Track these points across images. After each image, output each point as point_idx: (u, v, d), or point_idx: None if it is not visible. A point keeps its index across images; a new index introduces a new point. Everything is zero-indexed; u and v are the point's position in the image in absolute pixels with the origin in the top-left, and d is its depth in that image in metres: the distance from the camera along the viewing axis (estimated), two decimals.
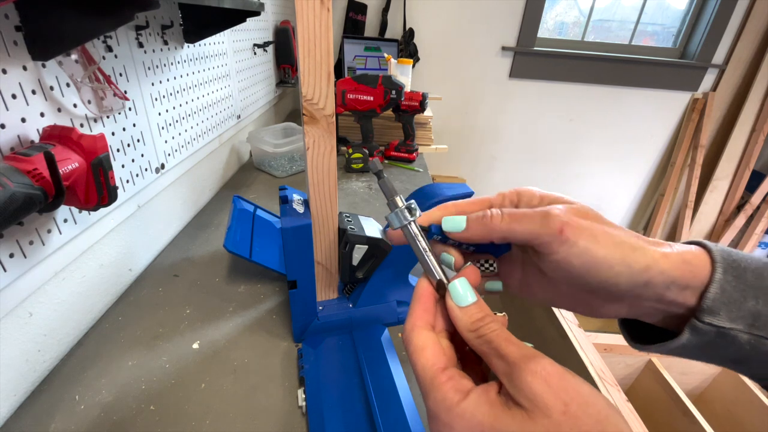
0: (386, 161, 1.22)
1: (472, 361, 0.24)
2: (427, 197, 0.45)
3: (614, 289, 0.22)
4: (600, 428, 0.17)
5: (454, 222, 0.24)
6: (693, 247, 0.22)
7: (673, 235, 2.37)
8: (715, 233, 2.24)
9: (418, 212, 0.25)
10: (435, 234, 0.25)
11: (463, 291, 0.22)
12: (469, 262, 0.25)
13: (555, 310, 0.96)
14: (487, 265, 0.26)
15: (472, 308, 0.22)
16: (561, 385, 0.18)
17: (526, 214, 0.22)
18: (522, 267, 0.27)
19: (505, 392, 0.19)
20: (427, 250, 0.25)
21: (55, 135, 0.42)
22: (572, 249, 0.21)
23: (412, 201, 0.26)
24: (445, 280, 0.24)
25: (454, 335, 0.23)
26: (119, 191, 0.57)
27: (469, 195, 0.25)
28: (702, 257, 0.22)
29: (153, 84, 0.65)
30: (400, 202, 0.25)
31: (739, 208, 2.16)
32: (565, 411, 0.17)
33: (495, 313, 0.23)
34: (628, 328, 0.26)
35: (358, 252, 0.49)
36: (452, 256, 0.25)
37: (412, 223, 0.25)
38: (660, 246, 0.22)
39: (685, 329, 0.22)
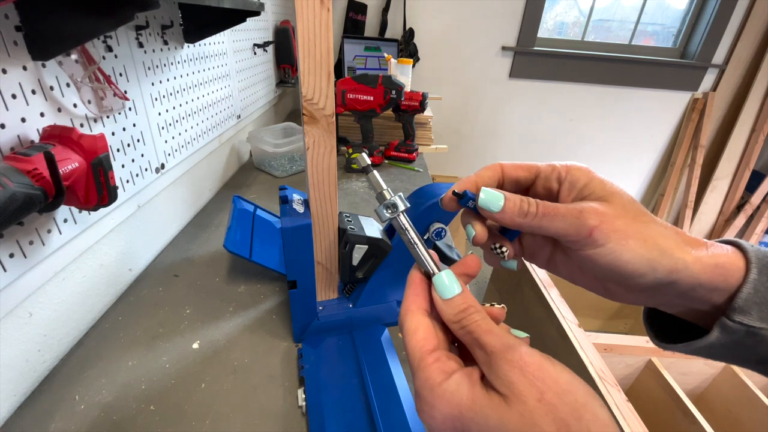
0: (386, 161, 1.22)
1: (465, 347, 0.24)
2: (427, 197, 0.45)
3: (637, 284, 0.22)
4: (576, 415, 0.17)
5: (493, 197, 0.23)
6: (729, 248, 0.22)
7: None
8: (715, 233, 2.24)
9: (404, 204, 0.25)
10: (470, 199, 0.25)
11: (448, 283, 0.23)
12: (471, 251, 0.25)
13: (555, 310, 0.96)
14: (499, 250, 0.26)
15: (456, 300, 0.22)
16: (538, 374, 0.18)
17: (558, 212, 0.22)
18: (552, 247, 0.27)
19: (486, 380, 0.20)
20: (417, 242, 0.25)
21: (55, 135, 0.42)
22: (599, 250, 0.22)
23: (400, 194, 0.26)
24: (431, 271, 0.24)
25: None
26: (119, 191, 0.57)
27: (471, 196, 0.25)
28: (737, 260, 0.22)
29: (153, 84, 0.65)
30: (387, 195, 0.26)
31: (739, 208, 2.16)
32: (540, 399, 0.18)
33: (492, 305, 0.23)
34: (652, 326, 0.27)
35: (358, 252, 0.49)
36: (475, 230, 0.25)
37: (401, 215, 0.25)
38: (695, 248, 0.22)
39: (715, 327, 0.22)
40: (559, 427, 0.17)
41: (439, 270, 0.24)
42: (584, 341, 0.86)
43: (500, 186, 0.26)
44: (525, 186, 0.26)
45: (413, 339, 0.22)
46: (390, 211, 0.25)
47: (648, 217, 0.23)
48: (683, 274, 0.21)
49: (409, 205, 0.26)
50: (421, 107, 1.11)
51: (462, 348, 0.24)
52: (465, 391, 0.19)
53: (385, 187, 0.26)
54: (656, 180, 2.33)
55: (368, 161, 0.27)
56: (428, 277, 0.24)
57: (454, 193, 0.25)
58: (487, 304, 0.24)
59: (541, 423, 0.17)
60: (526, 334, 0.23)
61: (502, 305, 0.24)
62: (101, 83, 0.51)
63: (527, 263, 1.15)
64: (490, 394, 0.19)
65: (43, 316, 0.48)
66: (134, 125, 0.61)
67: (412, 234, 0.25)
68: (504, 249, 0.26)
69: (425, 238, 0.46)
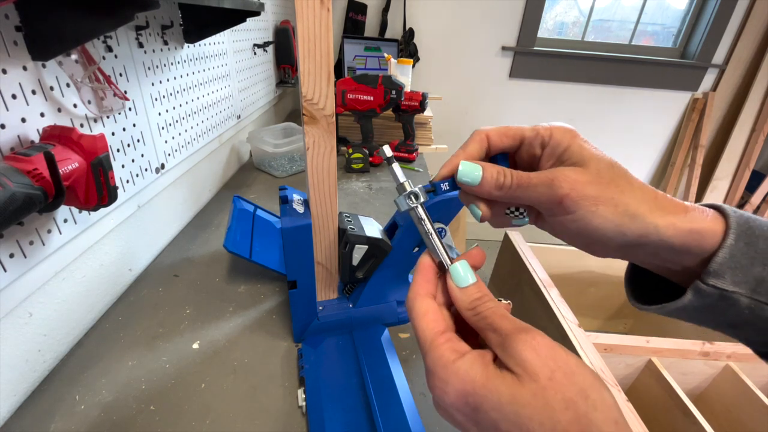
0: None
1: (470, 335, 0.24)
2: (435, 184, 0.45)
3: (608, 246, 0.24)
4: (584, 395, 0.18)
5: (470, 170, 0.24)
6: (710, 213, 0.23)
7: None
8: None
9: (424, 196, 0.26)
10: (445, 183, 0.26)
11: (463, 273, 0.24)
12: (476, 244, 0.27)
13: (555, 310, 0.96)
14: (517, 213, 0.27)
15: (471, 289, 0.23)
16: (550, 354, 0.19)
17: (531, 182, 0.24)
18: (535, 209, 0.28)
19: (499, 362, 0.20)
20: (432, 232, 0.26)
21: (55, 135, 0.42)
22: (569, 217, 0.23)
23: (420, 186, 0.27)
24: (447, 262, 0.25)
25: (451, 310, 0.25)
26: (119, 191, 0.57)
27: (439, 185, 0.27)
28: (715, 225, 0.22)
29: (153, 84, 0.65)
30: (408, 186, 0.27)
31: (739, 207, 2.16)
32: (551, 377, 0.18)
33: (500, 299, 0.24)
34: (632, 287, 0.28)
35: (358, 252, 0.49)
36: (480, 210, 0.26)
37: (419, 207, 0.26)
38: (672, 212, 0.23)
39: (688, 291, 0.23)
40: (567, 405, 0.18)
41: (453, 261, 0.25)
42: (584, 341, 0.86)
43: (487, 157, 0.27)
44: (511, 153, 0.27)
45: (423, 320, 0.22)
46: (412, 201, 0.26)
47: (624, 182, 0.23)
48: (653, 237, 0.22)
49: (426, 199, 0.27)
50: (421, 107, 1.11)
51: (463, 337, 0.24)
52: (479, 370, 0.20)
53: (405, 178, 0.27)
54: (656, 180, 2.33)
55: (390, 153, 0.29)
56: (440, 267, 0.25)
57: (428, 189, 0.26)
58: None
59: (551, 400, 0.18)
60: (508, 300, 0.24)
61: (508, 301, 0.24)
62: (101, 83, 0.51)
63: (526, 261, 1.14)
64: (503, 373, 0.19)
65: (43, 316, 0.48)
66: (134, 125, 0.61)
67: (429, 225, 0.26)
68: (522, 210, 0.27)
69: None
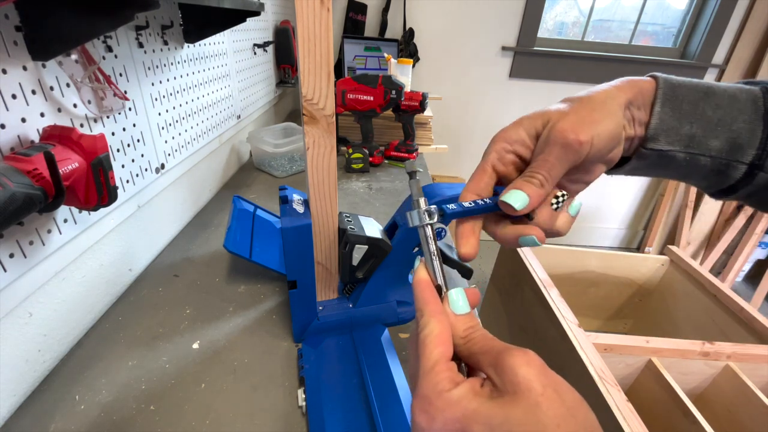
0: (386, 161, 1.22)
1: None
2: (427, 197, 0.45)
3: (607, 154, 0.27)
4: (571, 413, 0.19)
5: (519, 198, 0.26)
6: (646, 79, 0.27)
7: (673, 236, 2.37)
8: (715, 233, 2.24)
9: (436, 217, 0.27)
10: (450, 216, 0.27)
11: (461, 301, 0.24)
12: (474, 285, 0.28)
13: (555, 310, 0.96)
14: (561, 197, 0.28)
15: (465, 317, 0.24)
16: (542, 370, 0.20)
17: (555, 164, 0.26)
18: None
19: (489, 384, 0.21)
20: (436, 254, 0.26)
21: (55, 135, 0.42)
22: (589, 150, 0.26)
23: (434, 206, 0.27)
24: (444, 287, 0.25)
25: None
26: (119, 191, 0.57)
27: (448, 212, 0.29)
28: (650, 85, 0.27)
29: (153, 84, 0.65)
30: (423, 204, 0.27)
31: (739, 208, 2.16)
32: (543, 393, 0.19)
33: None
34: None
35: (358, 252, 0.49)
36: (536, 235, 0.27)
37: (429, 227, 0.27)
38: (612, 84, 0.27)
39: (633, 156, 0.28)
40: (558, 423, 0.18)
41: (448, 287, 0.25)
42: (584, 341, 0.86)
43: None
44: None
45: (434, 342, 0.22)
46: (427, 218, 0.26)
47: (582, 96, 0.27)
48: (624, 102, 0.26)
49: (438, 219, 0.27)
50: (421, 107, 1.11)
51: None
52: (471, 397, 0.20)
53: (423, 195, 0.28)
54: (656, 180, 2.33)
55: (415, 167, 0.29)
56: (437, 288, 0.25)
57: (439, 212, 0.27)
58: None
59: (543, 417, 0.18)
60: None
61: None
62: (101, 83, 0.51)
63: (526, 261, 1.14)
64: (494, 398, 0.20)
65: (43, 316, 0.48)
66: (134, 125, 0.61)
67: (434, 246, 0.26)
68: (563, 193, 0.28)
69: None
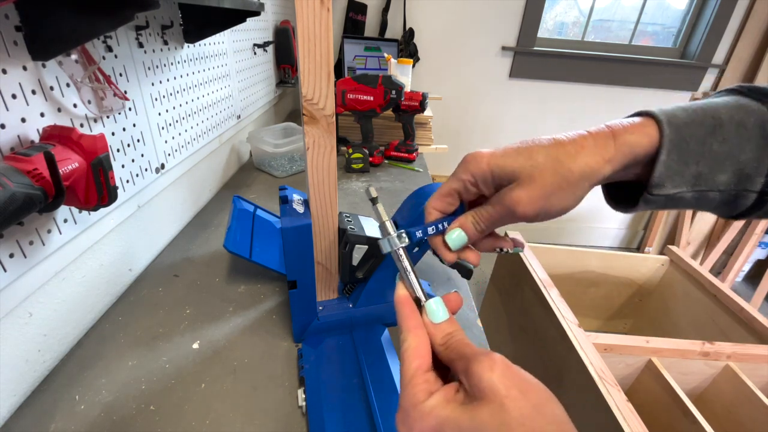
0: (386, 161, 1.22)
1: (444, 367, 0.26)
2: (427, 197, 0.45)
3: (573, 204, 0.27)
4: (537, 411, 0.19)
5: (458, 239, 0.29)
6: (641, 122, 0.26)
7: (673, 236, 2.37)
8: (715, 233, 2.24)
9: (406, 240, 0.29)
10: (417, 240, 0.30)
11: (437, 309, 0.26)
12: (455, 290, 0.31)
13: (555, 310, 0.96)
14: (503, 251, 0.32)
15: (443, 325, 0.25)
16: (505, 372, 0.20)
17: (495, 217, 0.28)
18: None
19: (463, 389, 0.22)
20: (411, 271, 0.28)
21: (55, 135, 0.42)
22: (533, 217, 0.27)
23: (402, 231, 0.30)
24: (422, 298, 0.27)
25: None
26: (119, 191, 0.57)
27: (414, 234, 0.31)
28: (648, 144, 0.25)
29: (153, 84, 0.65)
30: (392, 230, 0.30)
31: None
32: (507, 395, 0.20)
33: (506, 234, 0.27)
34: (609, 194, 0.31)
35: (358, 252, 0.49)
36: (471, 260, 0.30)
37: (400, 249, 0.29)
38: (605, 153, 0.25)
39: (640, 201, 0.27)
40: (523, 422, 0.19)
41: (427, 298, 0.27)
42: (584, 341, 0.86)
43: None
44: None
45: (412, 355, 0.24)
46: (395, 244, 0.29)
47: (556, 162, 0.26)
48: (602, 178, 0.26)
49: (407, 242, 0.29)
50: (421, 107, 1.11)
51: (439, 371, 0.26)
52: (442, 405, 0.21)
53: (387, 218, 0.30)
54: None
55: (375, 194, 0.32)
56: (416, 302, 0.27)
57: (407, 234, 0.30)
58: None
59: (507, 418, 0.19)
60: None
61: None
62: (101, 83, 0.51)
63: (526, 261, 1.14)
64: (464, 404, 0.21)
65: (43, 316, 0.48)
66: (134, 125, 0.61)
67: (407, 263, 0.29)
68: (504, 249, 0.32)
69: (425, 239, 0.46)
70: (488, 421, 0.19)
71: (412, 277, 0.28)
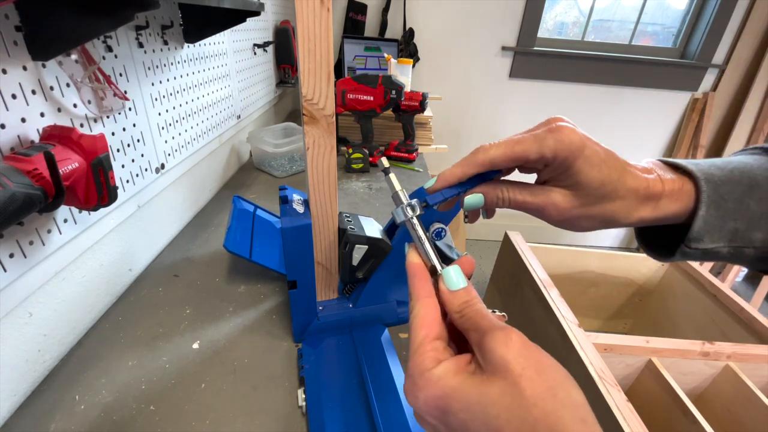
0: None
1: (463, 341, 0.25)
2: (418, 197, 0.45)
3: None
4: (552, 393, 0.18)
5: (475, 201, 0.29)
6: (685, 187, 0.27)
7: None
8: None
9: (418, 209, 0.28)
10: (431, 205, 0.29)
11: (455, 278, 0.24)
12: (466, 252, 0.30)
13: (555, 310, 0.96)
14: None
15: (461, 293, 0.24)
16: (521, 351, 0.19)
17: (525, 205, 0.29)
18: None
19: (475, 360, 0.21)
20: (425, 239, 0.27)
21: (55, 135, 0.42)
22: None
23: (415, 199, 0.28)
24: (439, 266, 0.26)
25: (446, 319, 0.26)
26: (119, 191, 0.57)
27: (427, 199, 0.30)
28: (687, 200, 0.27)
29: (153, 84, 0.65)
30: (404, 198, 0.28)
31: None
32: (521, 374, 0.18)
33: (494, 311, 0.25)
34: (644, 241, 0.32)
35: (358, 252, 0.49)
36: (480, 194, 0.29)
37: (414, 219, 0.28)
38: (653, 203, 0.27)
39: (677, 252, 0.28)
40: (536, 402, 0.18)
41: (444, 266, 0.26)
42: (584, 341, 0.86)
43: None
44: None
45: (420, 323, 0.23)
46: (409, 213, 0.28)
47: (612, 194, 0.27)
48: (634, 223, 0.28)
49: (421, 210, 0.28)
50: (421, 107, 1.11)
51: (459, 345, 0.25)
52: (450, 375, 0.20)
53: (401, 187, 0.29)
54: None
55: (387, 164, 0.30)
56: (431, 272, 0.26)
57: (422, 204, 0.29)
58: (490, 311, 0.25)
59: (519, 397, 0.18)
60: (503, 313, 0.26)
61: (503, 313, 0.25)
62: (101, 83, 0.51)
63: (526, 261, 1.14)
64: (474, 376, 0.20)
65: (43, 316, 0.48)
66: (134, 125, 0.61)
67: (421, 232, 0.27)
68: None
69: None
70: (498, 398, 0.18)
71: (427, 245, 0.27)
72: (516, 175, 0.31)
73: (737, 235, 0.26)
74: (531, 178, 0.30)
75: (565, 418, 0.17)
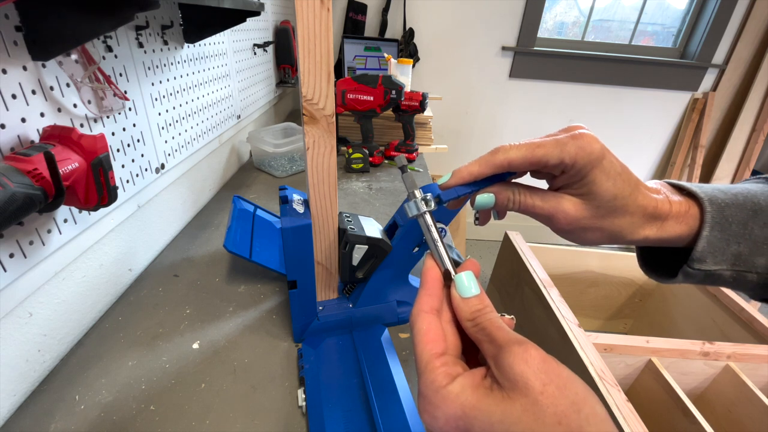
0: (386, 161, 1.22)
1: (474, 350, 0.25)
2: (439, 193, 0.45)
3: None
4: (575, 408, 0.18)
5: (486, 201, 0.28)
6: (691, 210, 0.27)
7: None
8: None
9: (432, 204, 0.27)
10: (444, 201, 0.29)
11: (467, 283, 0.24)
12: (469, 256, 0.28)
13: (555, 310, 0.96)
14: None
15: (473, 300, 0.23)
16: (541, 367, 0.19)
17: (534, 210, 0.28)
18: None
19: (491, 375, 0.21)
20: (438, 240, 0.26)
21: (55, 135, 0.42)
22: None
23: (429, 194, 0.28)
24: (452, 271, 0.25)
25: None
26: (119, 191, 0.57)
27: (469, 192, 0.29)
28: (692, 221, 0.27)
29: (153, 84, 0.65)
30: (418, 194, 0.28)
31: None
32: (543, 391, 0.18)
33: (503, 315, 0.24)
34: (645, 262, 0.32)
35: (358, 252, 0.49)
36: (492, 194, 0.28)
37: (427, 214, 0.27)
38: (658, 222, 0.27)
39: (679, 273, 0.28)
40: (560, 420, 0.18)
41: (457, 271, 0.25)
42: (584, 341, 0.86)
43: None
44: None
45: (423, 340, 0.22)
46: (423, 207, 0.27)
47: (622, 208, 0.26)
48: (638, 241, 0.28)
49: (435, 206, 0.28)
50: (421, 107, 1.11)
51: (468, 356, 0.24)
52: (469, 392, 0.20)
53: (417, 186, 0.29)
54: (656, 178, 2.33)
55: (405, 161, 0.30)
56: (445, 276, 0.25)
57: (435, 200, 0.28)
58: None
59: (542, 416, 0.18)
60: (512, 316, 0.25)
61: (512, 316, 0.25)
62: (101, 83, 0.51)
63: (526, 261, 1.14)
64: (493, 392, 0.19)
65: (43, 316, 0.48)
66: (134, 125, 0.61)
67: (435, 233, 0.27)
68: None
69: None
70: (522, 416, 0.18)
71: (440, 246, 0.26)
72: (527, 180, 0.31)
73: (740, 258, 0.26)
74: (541, 184, 0.30)
75: None
